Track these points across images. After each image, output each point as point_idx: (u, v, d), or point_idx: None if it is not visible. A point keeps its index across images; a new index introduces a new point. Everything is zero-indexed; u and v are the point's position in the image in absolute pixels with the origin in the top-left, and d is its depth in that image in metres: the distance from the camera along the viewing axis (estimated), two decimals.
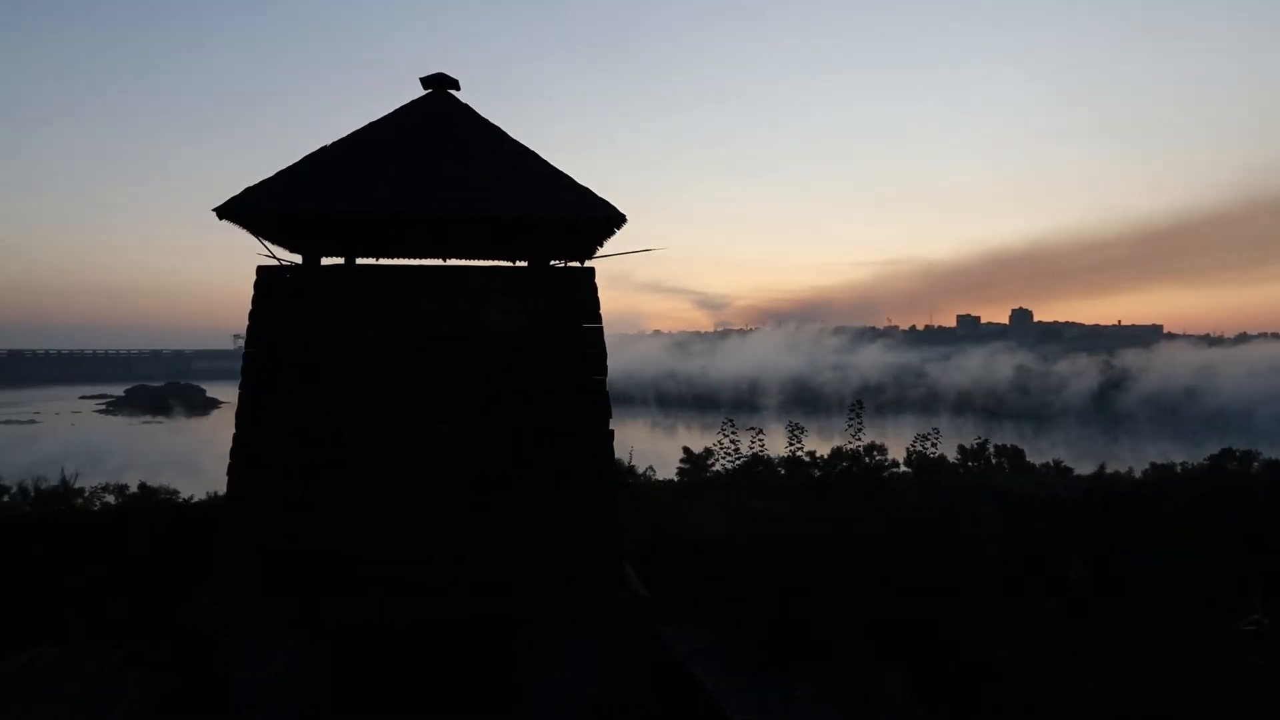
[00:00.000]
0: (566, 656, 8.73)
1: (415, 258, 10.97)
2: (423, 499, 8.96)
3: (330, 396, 9.04)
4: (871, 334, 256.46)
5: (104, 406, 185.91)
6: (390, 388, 9.11)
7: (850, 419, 14.28)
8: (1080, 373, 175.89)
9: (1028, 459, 45.30)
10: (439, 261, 11.00)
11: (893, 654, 8.42)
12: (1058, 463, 44.47)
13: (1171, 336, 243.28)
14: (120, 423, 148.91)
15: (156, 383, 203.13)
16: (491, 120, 9.89)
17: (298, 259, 9.68)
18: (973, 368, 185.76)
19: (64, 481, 22.94)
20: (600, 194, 9.10)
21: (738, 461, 14.83)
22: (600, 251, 10.29)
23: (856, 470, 17.09)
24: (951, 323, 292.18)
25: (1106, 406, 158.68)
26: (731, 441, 14.44)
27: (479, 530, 8.95)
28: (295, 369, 9.04)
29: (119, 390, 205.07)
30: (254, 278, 9.15)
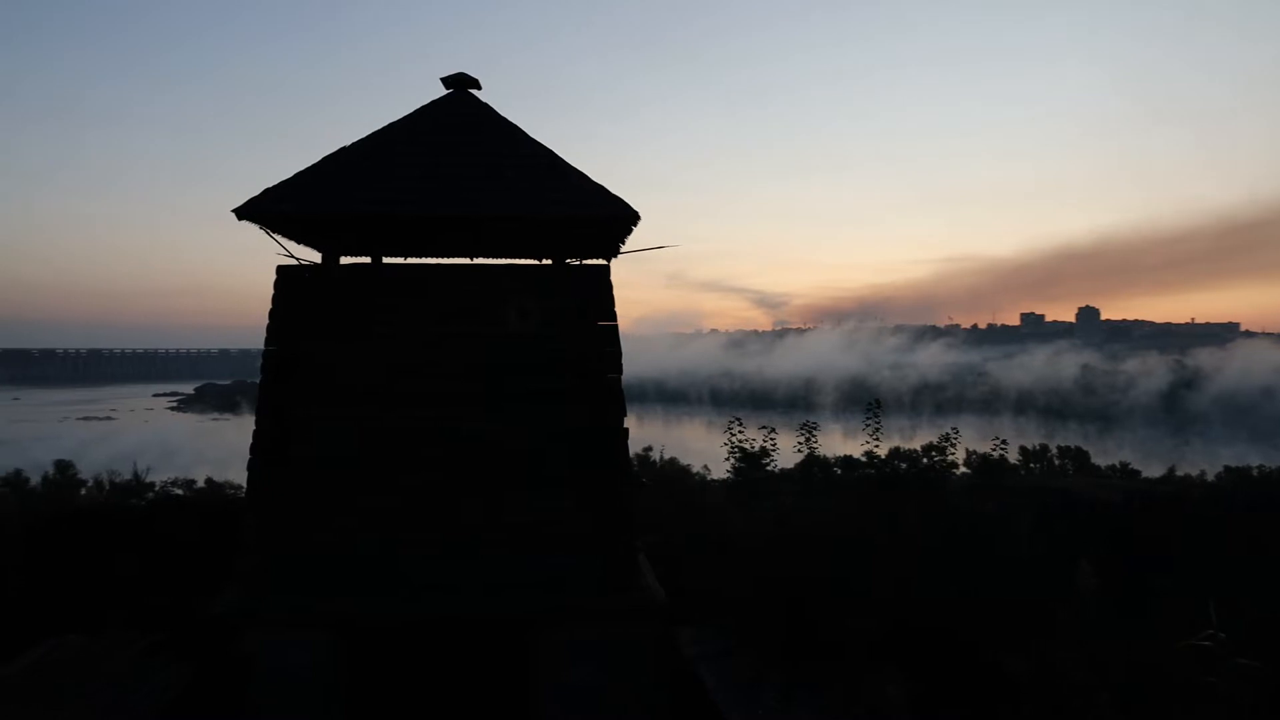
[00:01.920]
0: (581, 657, 8.68)
1: (434, 257, 11.07)
2: (438, 497, 8.98)
3: (348, 394, 9.10)
4: (932, 333, 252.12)
5: (175, 404, 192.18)
6: (407, 386, 9.13)
7: (868, 419, 13.90)
8: (1149, 372, 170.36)
9: (1093, 461, 44.13)
10: (457, 260, 11.06)
11: (904, 658, 8.22)
12: (1124, 465, 43.17)
13: (1249, 334, 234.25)
14: (190, 419, 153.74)
15: (224, 381, 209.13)
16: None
17: (318, 258, 9.80)
18: (1036, 367, 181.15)
19: (136, 476, 23.81)
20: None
21: (773, 462, 14.62)
22: (622, 249, 10.21)
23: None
24: (1015, 321, 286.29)
25: (1177, 407, 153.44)
26: (738, 440, 14.21)
27: (494, 529, 8.94)
28: (313, 367, 9.14)
29: (189, 388, 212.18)
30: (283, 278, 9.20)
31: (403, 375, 9.13)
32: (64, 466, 29.25)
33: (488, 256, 11.21)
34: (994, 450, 16.40)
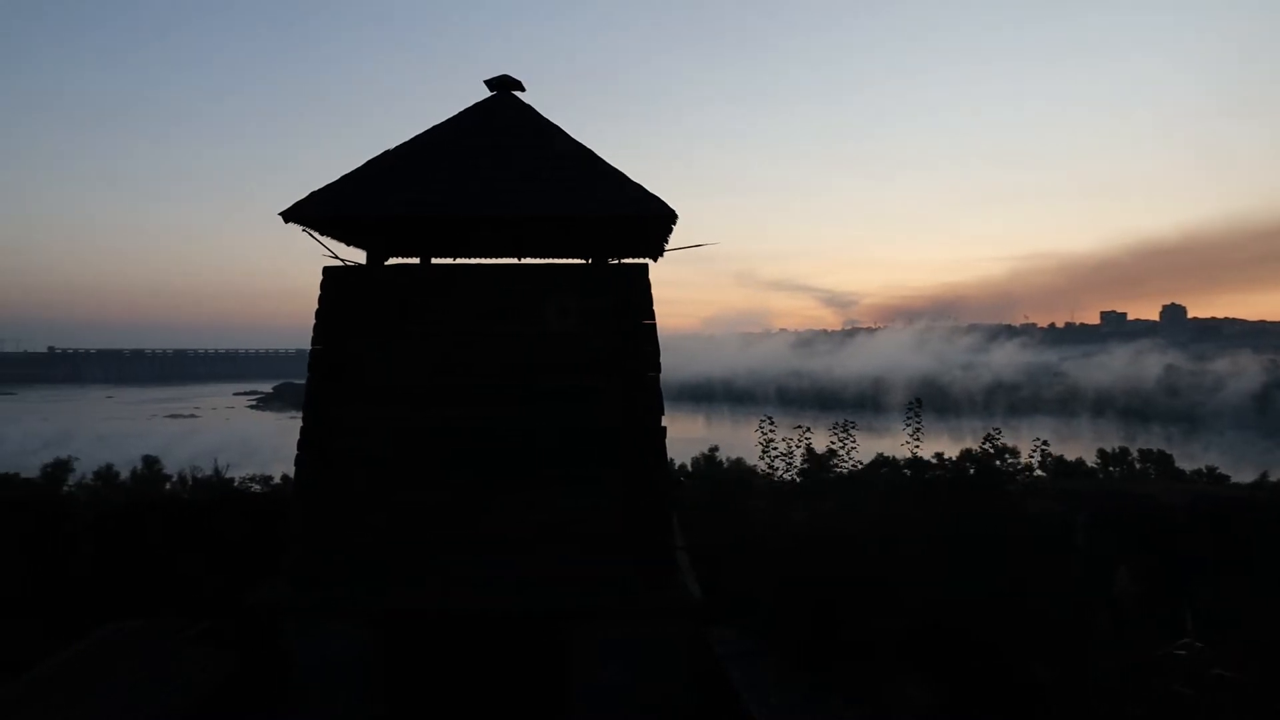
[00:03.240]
0: (613, 655, 8.68)
1: (478, 257, 11.24)
2: (477, 494, 9.08)
3: (390, 392, 9.27)
4: (1007, 332, 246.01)
5: (255, 402, 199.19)
6: (447, 384, 9.26)
7: (908, 418, 13.49)
8: (1241, 372, 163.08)
9: (1177, 464, 42.34)
10: (500, 260, 11.20)
11: (932, 661, 8.05)
12: (1211, 469, 41.33)
13: None
14: (270, 418, 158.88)
15: (301, 380, 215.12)
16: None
17: (363, 259, 10.01)
18: (1117, 367, 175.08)
19: (217, 471, 24.77)
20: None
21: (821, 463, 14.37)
22: (666, 248, 10.19)
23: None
24: (1095, 320, 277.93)
25: (1271, 408, 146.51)
26: (769, 438, 14.02)
27: (531, 526, 9.01)
28: (358, 365, 9.34)
29: (268, 387, 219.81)
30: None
31: (443, 373, 9.26)
32: (151, 461, 30.70)
33: (531, 256, 11.34)
34: (1035, 451, 15.87)
